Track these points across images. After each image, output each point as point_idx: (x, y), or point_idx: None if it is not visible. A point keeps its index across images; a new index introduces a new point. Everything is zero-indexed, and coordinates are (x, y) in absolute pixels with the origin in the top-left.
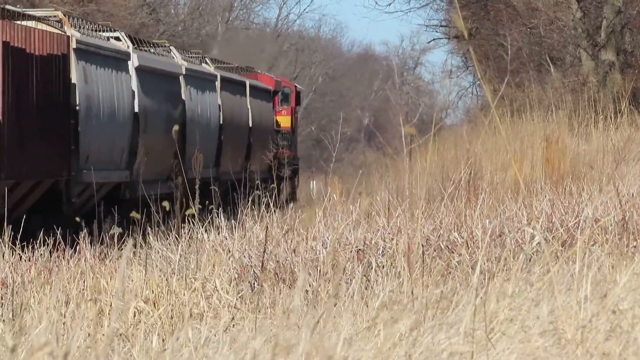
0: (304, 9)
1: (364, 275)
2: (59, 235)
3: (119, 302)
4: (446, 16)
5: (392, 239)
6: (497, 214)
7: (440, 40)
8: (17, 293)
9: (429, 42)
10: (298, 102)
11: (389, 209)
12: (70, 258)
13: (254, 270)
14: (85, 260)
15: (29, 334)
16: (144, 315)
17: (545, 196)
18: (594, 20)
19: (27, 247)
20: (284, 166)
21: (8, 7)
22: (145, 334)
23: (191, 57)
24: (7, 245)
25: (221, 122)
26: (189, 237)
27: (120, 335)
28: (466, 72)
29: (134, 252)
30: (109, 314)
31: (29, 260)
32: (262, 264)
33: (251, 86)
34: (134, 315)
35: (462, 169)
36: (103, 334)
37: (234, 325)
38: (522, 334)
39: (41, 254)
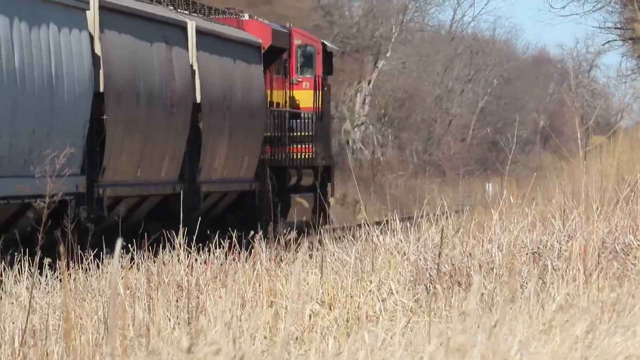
0: (479, 12)
1: (540, 278)
2: (234, 238)
3: (294, 304)
4: (620, 18)
5: (568, 241)
6: None
7: (615, 43)
8: (192, 296)
9: (603, 45)
10: (329, 69)
11: (564, 212)
12: (246, 261)
13: (429, 273)
14: (260, 263)
15: (205, 336)
16: (320, 317)
17: None
18: None
19: (203, 249)
20: (297, 170)
21: None
22: (321, 337)
23: None
24: (182, 248)
25: (101, 88)
26: (364, 240)
27: (296, 338)
28: None
29: (310, 255)
30: (284, 316)
31: (205, 262)
32: (438, 267)
33: (201, 32)
34: (310, 318)
35: (638, 171)
36: (278, 337)
37: (410, 329)
38: None
39: (217, 257)
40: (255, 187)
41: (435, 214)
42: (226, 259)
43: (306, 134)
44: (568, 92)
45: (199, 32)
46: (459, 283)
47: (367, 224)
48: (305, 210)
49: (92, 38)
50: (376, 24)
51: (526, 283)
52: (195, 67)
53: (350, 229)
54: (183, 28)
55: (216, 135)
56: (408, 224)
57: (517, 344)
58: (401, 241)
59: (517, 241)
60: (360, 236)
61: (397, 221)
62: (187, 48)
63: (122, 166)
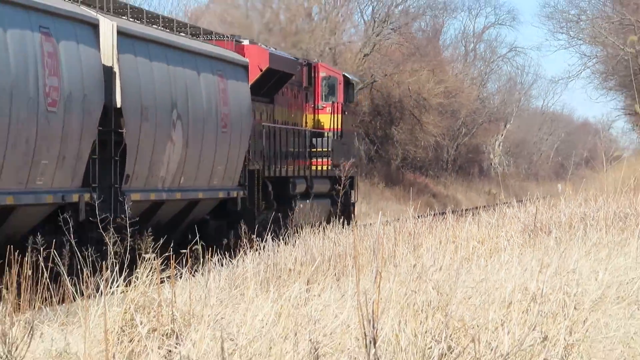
0: (557, 99)
1: (584, 229)
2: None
3: (464, 242)
4: (626, 102)
5: (598, 211)
6: None
7: (621, 116)
8: (415, 238)
9: (616, 117)
10: (350, 97)
11: (596, 197)
12: (441, 219)
13: (530, 227)
14: (449, 221)
15: (424, 259)
16: (477, 249)
17: None
18: None
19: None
20: (307, 180)
21: None
22: (477, 258)
23: None
24: (411, 216)
25: None
26: (499, 211)
27: (465, 258)
28: None
29: (473, 218)
30: (460, 248)
31: (423, 220)
32: (534, 224)
33: (134, 36)
34: (472, 249)
35: (634, 178)
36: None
37: (520, 254)
38: None
39: (427, 218)
40: (238, 194)
41: (534, 199)
42: (432, 219)
43: (323, 149)
44: (598, 139)
45: (132, 37)
46: (545, 232)
47: (500, 203)
48: (321, 213)
49: None
50: (506, 107)
51: (577, 232)
52: (116, 69)
53: (491, 207)
54: (93, 25)
55: (157, 142)
56: (520, 203)
57: (573, 261)
58: (517, 211)
59: (574, 212)
60: (495, 210)
61: (515, 202)
62: (96, 47)
63: None
